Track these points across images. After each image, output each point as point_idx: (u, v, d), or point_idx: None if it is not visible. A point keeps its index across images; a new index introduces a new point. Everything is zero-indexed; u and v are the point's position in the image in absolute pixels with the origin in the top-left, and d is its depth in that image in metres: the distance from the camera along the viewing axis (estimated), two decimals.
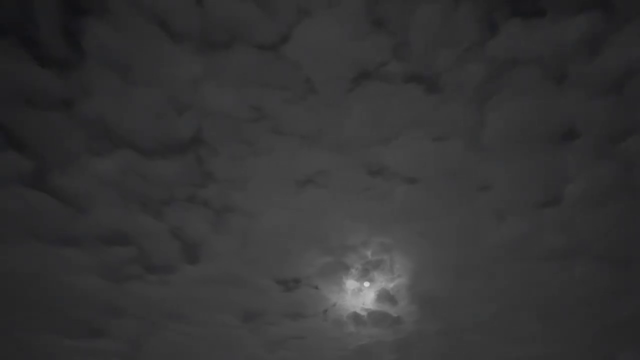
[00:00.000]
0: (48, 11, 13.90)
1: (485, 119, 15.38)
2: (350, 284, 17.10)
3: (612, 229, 16.15)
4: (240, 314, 16.66)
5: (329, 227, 16.66)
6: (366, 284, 17.18)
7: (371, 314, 17.15)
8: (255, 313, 16.77)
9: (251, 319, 16.68)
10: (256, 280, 16.71)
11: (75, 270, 15.19)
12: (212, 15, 14.62)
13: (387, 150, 15.95)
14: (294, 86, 15.63)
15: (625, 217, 16.04)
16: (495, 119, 15.31)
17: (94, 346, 15.52)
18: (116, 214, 15.52)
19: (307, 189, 16.32)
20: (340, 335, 17.19)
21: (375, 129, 16.01)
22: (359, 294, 17.21)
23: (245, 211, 16.33)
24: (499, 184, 16.13)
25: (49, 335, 14.82)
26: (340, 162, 16.33)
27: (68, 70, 14.28)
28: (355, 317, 17.08)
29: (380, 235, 16.70)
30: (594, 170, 15.50)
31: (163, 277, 16.00)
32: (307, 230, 16.56)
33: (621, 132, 14.99)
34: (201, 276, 16.06)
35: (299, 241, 16.70)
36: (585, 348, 17.21)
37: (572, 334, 17.21)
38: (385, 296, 17.21)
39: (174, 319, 16.27)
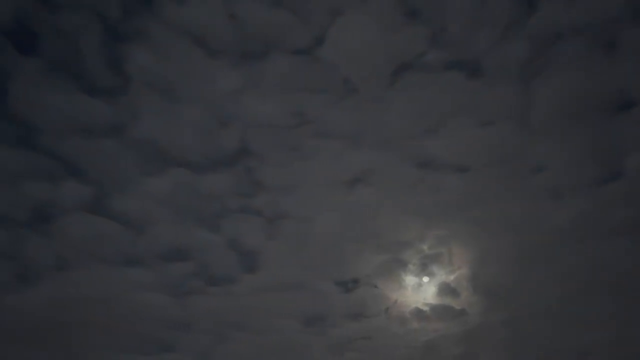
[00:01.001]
0: (92, 45, 14.46)
1: (532, 99, 14.91)
2: (410, 279, 16.89)
3: None
4: (302, 319, 16.73)
5: (382, 224, 16.52)
6: (425, 278, 16.93)
7: (434, 308, 16.88)
8: (317, 317, 16.80)
9: (313, 323, 16.72)
10: (315, 284, 16.75)
11: (141, 288, 15.66)
12: (245, 26, 14.84)
13: (433, 141, 15.70)
14: (333, 87, 15.63)
15: None
16: (544, 97, 14.81)
17: None
18: (174, 231, 15.93)
19: (357, 189, 16.26)
20: (404, 332, 16.99)
21: (420, 121, 15.80)
22: (420, 289, 16.98)
23: (298, 216, 16.41)
24: (554, 163, 15.58)
25: (123, 355, 15.31)
26: (387, 158, 16.19)
27: (115, 97, 14.81)
28: (418, 313, 16.86)
29: (436, 228, 16.42)
30: None
31: (224, 289, 16.26)
32: (361, 229, 16.47)
33: None
34: (261, 284, 16.23)
35: (354, 241, 16.63)
36: None
37: None
38: (446, 289, 16.91)
39: (238, 329, 16.50)
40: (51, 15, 13.78)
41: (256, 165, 15.89)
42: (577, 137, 15.21)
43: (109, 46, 14.34)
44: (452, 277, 16.97)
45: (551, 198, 15.96)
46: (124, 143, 14.95)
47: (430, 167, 16.05)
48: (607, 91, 14.61)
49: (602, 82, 14.54)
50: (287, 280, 16.61)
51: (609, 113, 14.92)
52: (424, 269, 16.95)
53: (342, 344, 16.90)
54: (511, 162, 15.72)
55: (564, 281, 16.72)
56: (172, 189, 15.41)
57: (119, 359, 15.16)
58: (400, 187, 16.35)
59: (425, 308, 17.03)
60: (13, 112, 14.14)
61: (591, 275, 16.24)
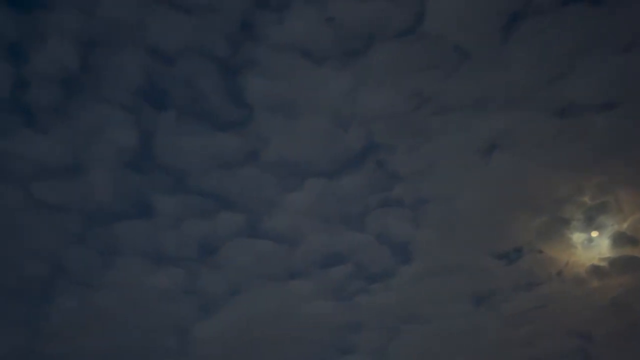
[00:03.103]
0: (212, 84, 15.58)
1: None
2: (577, 237, 15.62)
3: None
4: (470, 300, 16.25)
5: (532, 185, 15.52)
6: (594, 232, 15.53)
7: (613, 262, 15.40)
8: (485, 295, 16.20)
9: (482, 301, 16.15)
10: (475, 262, 16.19)
11: (307, 298, 16.33)
12: (343, 25, 14.95)
13: (568, 84, 14.44)
14: (444, 59, 15.11)
15: None
16: None
17: None
18: (324, 238, 16.42)
19: (494, 156, 15.48)
20: (584, 293, 15.73)
21: (547, 68, 14.66)
22: (591, 245, 15.62)
23: (440, 198, 16.06)
24: None
25: None
26: (519, 116, 15.23)
27: (243, 126, 15.77)
28: (596, 270, 15.49)
29: (593, 176, 15.04)
30: None
31: (385, 284, 16.37)
32: (510, 195, 15.63)
33: None
34: (420, 273, 16.08)
35: (506, 209, 15.83)
36: None
37: None
38: (622, 239, 15.35)
39: (408, 321, 16.48)
40: (171, 69, 15.09)
41: (386, 157, 15.86)
42: None
43: (226, 81, 15.32)
44: (625, 225, 15.38)
45: None
46: (260, 167, 15.81)
47: (570, 112, 14.79)
48: None
49: None
50: (446, 264, 16.26)
51: None
52: (590, 222, 15.59)
53: (517, 316, 16.09)
54: None
55: None
56: (313, 199, 15.93)
57: None
58: (542, 142, 15.26)
59: (603, 264, 15.62)
60: (162, 162, 15.67)
61: None
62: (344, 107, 15.82)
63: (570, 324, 16.32)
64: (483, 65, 14.97)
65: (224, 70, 15.35)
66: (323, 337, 16.51)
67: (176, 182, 15.82)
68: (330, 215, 16.24)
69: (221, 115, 15.70)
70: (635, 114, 14.63)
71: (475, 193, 15.87)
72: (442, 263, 16.27)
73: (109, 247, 15.39)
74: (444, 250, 16.26)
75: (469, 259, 16.27)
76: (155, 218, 15.96)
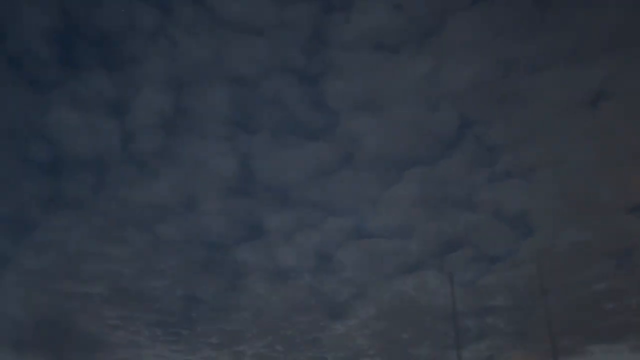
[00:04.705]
0: (296, 100, 15.93)
1: None
2: None
3: None
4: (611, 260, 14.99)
5: None
6: None
7: None
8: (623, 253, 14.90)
9: (623, 261, 14.85)
10: (606, 220, 14.95)
11: (428, 289, 16.06)
12: (413, 8, 14.61)
13: None
14: (526, 15, 14.32)
15: None
16: None
17: None
18: (436, 225, 16.11)
19: (601, 106, 14.32)
20: None
21: None
22: None
23: (549, 162, 15.09)
24: None
25: None
26: (624, 59, 13.96)
27: (332, 132, 15.95)
28: None
29: None
30: None
31: (508, 262, 15.69)
32: (626, 145, 14.32)
33: None
34: (544, 244, 15.19)
35: (623, 160, 14.49)
36: None
37: None
38: None
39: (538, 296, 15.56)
40: (255, 91, 15.68)
41: (483, 131, 15.28)
42: None
43: (308, 91, 15.63)
44: None
45: None
46: (356, 168, 15.90)
47: None
48: None
49: None
50: (573, 227, 15.18)
51: None
52: None
53: None
54: None
55: None
56: (416, 188, 15.74)
57: None
58: None
59: None
60: (264, 182, 16.27)
61: None
62: (429, 89, 15.47)
63: None
64: (571, 13, 13.98)
65: (304, 80, 15.68)
66: (448, 326, 16.11)
67: (280, 198, 16.33)
68: (437, 201, 15.90)
69: (309, 125, 16.03)
70: None
71: (587, 149, 14.77)
72: (568, 227, 15.25)
73: (233, 271, 16.26)
74: (567, 214, 15.24)
75: (596, 218, 15.12)
76: (268, 236, 16.59)
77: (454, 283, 15.87)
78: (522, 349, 15.85)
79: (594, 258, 15.19)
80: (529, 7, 14.22)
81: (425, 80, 15.34)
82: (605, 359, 15.52)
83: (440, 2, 14.33)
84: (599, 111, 14.71)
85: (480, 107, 15.37)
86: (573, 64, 14.48)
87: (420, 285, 16.29)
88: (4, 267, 15.05)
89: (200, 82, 15.90)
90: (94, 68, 16.42)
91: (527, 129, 15.32)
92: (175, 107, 15.94)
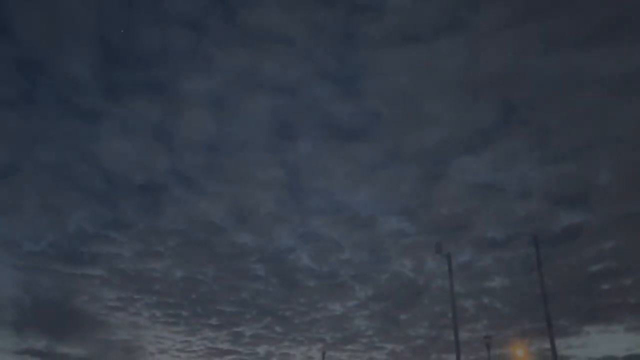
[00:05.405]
0: (331, 98, 15.99)
1: None
2: None
3: None
4: None
5: None
6: None
7: None
8: None
9: None
10: None
11: None
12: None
13: None
14: None
15: None
16: None
17: None
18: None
19: None
20: None
21: None
22: None
23: None
24: None
25: None
26: None
27: (374, 130, 15.79)
28: None
29: None
30: None
31: None
32: None
33: None
34: None
35: None
36: None
37: None
38: None
39: None
40: (293, 99, 15.76)
41: (536, 114, 14.78)
42: None
43: (344, 92, 15.56)
44: None
45: None
46: (403, 163, 15.74)
47: None
48: None
49: None
50: None
51: None
52: None
53: None
54: None
55: None
56: (466, 180, 15.30)
57: None
58: None
59: None
60: (312, 188, 16.33)
61: None
62: (467, 75, 15.18)
63: None
64: None
65: (339, 82, 15.76)
66: None
67: (330, 202, 16.47)
68: (486, 189, 15.54)
69: (351, 126, 16.07)
70: None
71: None
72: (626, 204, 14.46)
73: (288, 280, 16.58)
74: (624, 191, 14.46)
75: None
76: (322, 242, 16.73)
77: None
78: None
79: None
80: None
81: (463, 65, 15.07)
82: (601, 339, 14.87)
83: None
84: None
85: (525, 87, 14.94)
86: (622, 38, 13.84)
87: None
88: None
89: (242, 96, 16.30)
90: (136, 94, 17.22)
91: (579, 108, 14.77)
92: (217, 125, 16.42)
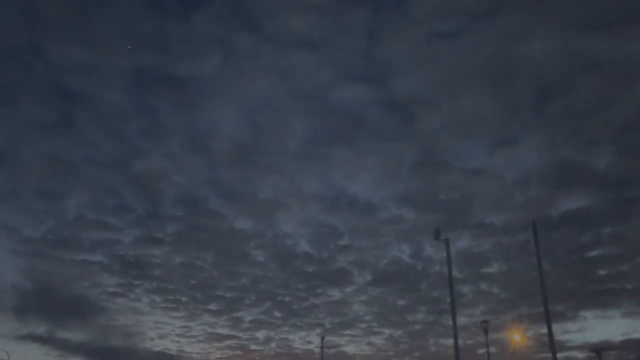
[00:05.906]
0: (362, 101, 15.79)
1: None
2: None
3: None
4: None
5: None
6: None
7: None
8: None
9: None
10: None
11: None
12: None
13: None
14: None
15: None
16: None
17: None
18: None
19: None
20: None
21: None
22: None
23: None
24: None
25: None
26: None
27: (407, 129, 15.58)
28: None
29: None
30: None
31: None
32: None
33: None
34: None
35: None
36: None
37: None
38: None
39: None
40: (325, 106, 15.60)
41: (566, 99, 14.39)
42: None
43: (374, 94, 15.31)
44: None
45: None
46: (433, 161, 15.49)
47: None
48: None
49: None
50: None
51: None
52: None
53: None
54: None
55: None
56: (495, 172, 15.06)
57: None
58: None
59: None
60: (346, 195, 16.15)
61: None
62: (498, 68, 14.85)
63: None
64: None
65: (368, 83, 15.56)
66: None
67: (365, 209, 16.37)
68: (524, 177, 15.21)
69: (384, 126, 15.92)
70: None
71: None
72: None
73: (287, 265, 16.43)
74: None
75: None
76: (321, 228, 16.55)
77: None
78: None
79: None
80: None
81: (502, 50, 14.71)
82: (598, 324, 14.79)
83: None
84: None
85: (560, 74, 14.57)
86: (625, 25, 13.39)
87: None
88: None
89: (271, 105, 16.22)
90: (170, 111, 17.19)
91: (612, 91, 14.38)
92: (251, 133, 16.39)
